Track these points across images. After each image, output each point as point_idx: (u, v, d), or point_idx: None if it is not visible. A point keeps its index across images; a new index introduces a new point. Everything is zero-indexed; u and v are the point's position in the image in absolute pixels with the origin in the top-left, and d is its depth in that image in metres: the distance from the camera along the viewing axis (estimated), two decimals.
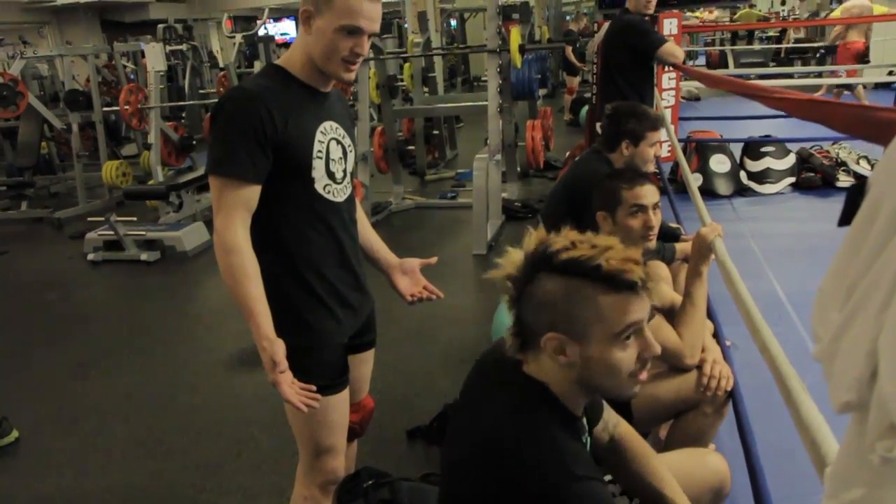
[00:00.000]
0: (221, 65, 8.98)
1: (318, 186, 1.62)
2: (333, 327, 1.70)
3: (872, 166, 5.44)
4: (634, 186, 2.11)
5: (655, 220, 2.11)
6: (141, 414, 3.19)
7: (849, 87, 8.90)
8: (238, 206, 1.51)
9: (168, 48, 8.61)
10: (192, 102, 8.96)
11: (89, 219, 6.05)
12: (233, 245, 1.49)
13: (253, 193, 1.53)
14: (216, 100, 8.01)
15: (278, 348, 1.47)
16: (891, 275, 0.46)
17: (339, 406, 1.74)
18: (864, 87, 10.29)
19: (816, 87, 10.10)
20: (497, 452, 1.13)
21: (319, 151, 1.61)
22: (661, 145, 3.12)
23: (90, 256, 5.58)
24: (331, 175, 1.65)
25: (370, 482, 2.13)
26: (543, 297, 1.13)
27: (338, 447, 1.79)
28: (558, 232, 1.18)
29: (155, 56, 6.55)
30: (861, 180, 0.52)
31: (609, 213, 2.13)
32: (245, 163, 1.50)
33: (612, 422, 1.50)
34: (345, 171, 1.70)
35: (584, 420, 1.31)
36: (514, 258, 1.18)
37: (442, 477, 1.33)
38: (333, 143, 1.65)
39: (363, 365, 1.93)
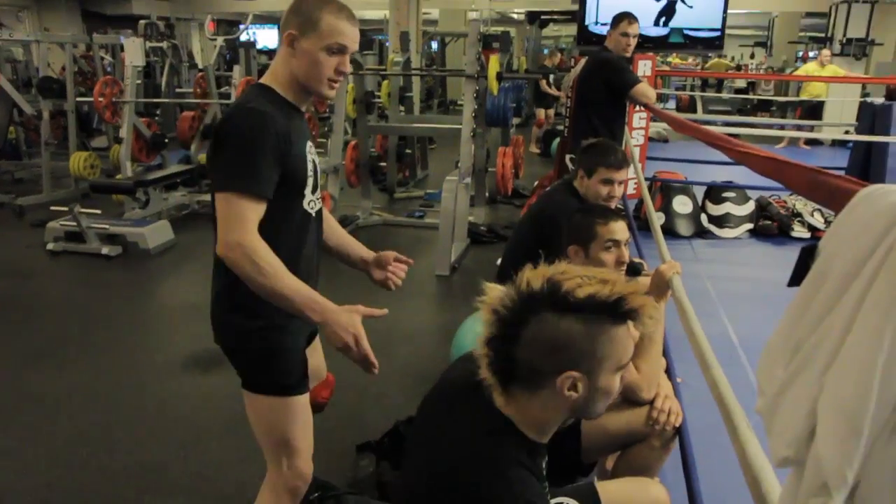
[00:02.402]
0: (200, 66, 8.89)
1: (305, 202, 1.70)
2: (299, 328, 1.76)
3: (826, 220, 5.62)
4: (609, 222, 2.18)
5: (626, 255, 2.18)
6: (87, 409, 3.13)
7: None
8: (255, 221, 1.54)
9: (148, 44, 8.52)
10: (167, 100, 8.87)
11: (52, 208, 5.91)
12: (258, 249, 1.51)
13: (264, 210, 1.57)
14: (192, 100, 8.04)
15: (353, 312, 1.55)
16: (834, 338, 0.47)
17: (307, 405, 1.80)
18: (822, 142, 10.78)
19: (779, 139, 10.45)
20: (456, 481, 1.13)
21: (311, 169, 1.70)
22: (627, 184, 3.17)
23: (50, 246, 5.47)
24: (313, 190, 1.73)
25: (316, 494, 2.13)
26: (558, 338, 1.10)
27: (308, 450, 1.83)
28: (522, 264, 1.16)
29: (134, 51, 6.50)
30: (814, 233, 0.55)
31: (582, 246, 2.19)
32: (267, 180, 1.56)
33: None
34: (316, 184, 1.77)
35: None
36: (496, 294, 1.15)
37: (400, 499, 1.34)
38: (312, 160, 1.74)
39: (315, 353, 2.02)
